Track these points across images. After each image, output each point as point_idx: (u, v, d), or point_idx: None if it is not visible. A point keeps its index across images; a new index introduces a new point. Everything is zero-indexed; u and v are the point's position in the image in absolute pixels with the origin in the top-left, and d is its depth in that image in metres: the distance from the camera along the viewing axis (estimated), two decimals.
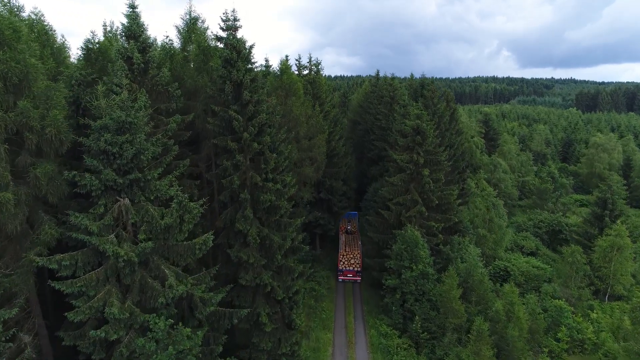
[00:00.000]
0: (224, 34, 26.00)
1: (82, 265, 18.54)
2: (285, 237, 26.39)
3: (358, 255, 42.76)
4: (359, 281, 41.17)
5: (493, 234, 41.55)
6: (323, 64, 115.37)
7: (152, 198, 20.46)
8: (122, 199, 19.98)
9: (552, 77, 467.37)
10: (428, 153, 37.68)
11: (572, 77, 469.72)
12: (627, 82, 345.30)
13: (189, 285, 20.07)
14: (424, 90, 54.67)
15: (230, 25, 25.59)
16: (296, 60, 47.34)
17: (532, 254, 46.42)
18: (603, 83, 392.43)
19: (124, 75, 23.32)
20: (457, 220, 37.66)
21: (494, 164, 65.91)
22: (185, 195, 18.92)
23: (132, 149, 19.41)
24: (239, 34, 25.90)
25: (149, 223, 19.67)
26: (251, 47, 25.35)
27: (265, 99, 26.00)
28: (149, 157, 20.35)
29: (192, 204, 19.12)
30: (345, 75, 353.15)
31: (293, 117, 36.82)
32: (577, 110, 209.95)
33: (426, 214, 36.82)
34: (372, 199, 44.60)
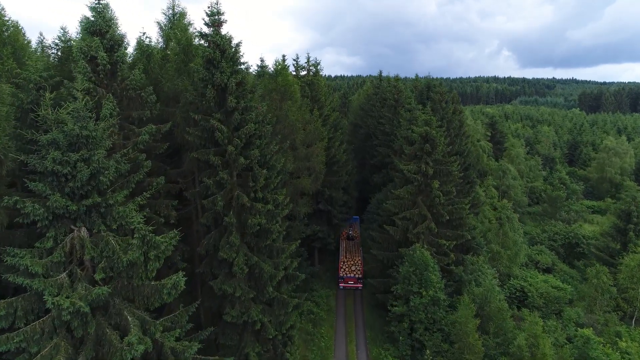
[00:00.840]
0: (208, 31, 22.48)
1: (22, 314, 15.03)
2: (278, 265, 22.89)
3: (359, 262, 40.75)
4: (360, 288, 39.35)
5: (507, 250, 38.06)
6: (323, 63, 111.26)
7: (114, 227, 16.96)
8: (77, 229, 16.48)
9: (553, 77, 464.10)
10: (437, 163, 34.14)
11: (574, 77, 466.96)
12: (629, 82, 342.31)
13: (159, 334, 16.56)
14: (430, 92, 51.21)
15: (215, 20, 22.08)
16: (294, 60, 43.55)
17: (547, 270, 42.95)
18: (605, 83, 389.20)
19: (86, 78, 19.89)
20: (469, 237, 34.11)
21: (503, 170, 62.41)
22: (149, 228, 15.36)
23: (87, 169, 15.91)
24: (223, 30, 22.44)
25: (109, 259, 16.17)
26: (238, 45, 21.83)
27: (255, 105, 22.47)
28: (110, 177, 16.84)
29: (158, 238, 15.57)
30: (346, 75, 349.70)
31: (289, 123, 33.21)
32: (580, 111, 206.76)
33: (436, 230, 33.29)
34: (376, 211, 41.06)
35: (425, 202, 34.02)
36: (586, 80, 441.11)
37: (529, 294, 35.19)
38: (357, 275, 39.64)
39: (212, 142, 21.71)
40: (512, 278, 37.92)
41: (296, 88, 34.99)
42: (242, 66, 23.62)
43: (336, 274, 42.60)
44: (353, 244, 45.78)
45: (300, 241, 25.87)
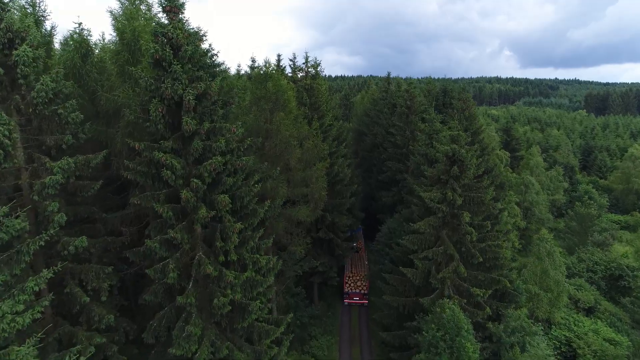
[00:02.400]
0: (164, 18, 15.67)
1: None
2: (261, 355, 16.04)
3: (365, 277, 38.46)
4: (366, 304, 37.61)
5: (548, 292, 31.29)
6: (323, 64, 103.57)
7: None
8: None
9: (555, 78, 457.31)
10: (467, 189, 27.38)
11: (577, 78, 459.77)
12: (634, 83, 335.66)
13: None
14: (446, 97, 44.50)
15: (169, 3, 15.24)
16: (290, 60, 36.62)
17: (589, 309, 36.21)
18: (608, 84, 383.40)
19: None
20: (507, 282, 27.30)
21: (525, 184, 55.48)
22: None
23: None
24: (187, 19, 15.63)
25: None
26: (200, 38, 14.98)
27: (228, 125, 15.62)
28: None
29: None
30: (347, 75, 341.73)
31: (281, 140, 26.38)
32: (587, 113, 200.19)
33: (465, 274, 26.50)
34: (386, 242, 34.26)
35: (452, 237, 27.24)
36: (589, 81, 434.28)
37: (579, 350, 28.42)
38: (362, 291, 37.83)
39: (163, 181, 14.88)
40: (553, 326, 31.17)
41: (291, 95, 28.10)
42: (217, 68, 16.94)
43: (341, 312, 36.76)
44: (358, 257, 42.34)
45: (291, 315, 19.03)
